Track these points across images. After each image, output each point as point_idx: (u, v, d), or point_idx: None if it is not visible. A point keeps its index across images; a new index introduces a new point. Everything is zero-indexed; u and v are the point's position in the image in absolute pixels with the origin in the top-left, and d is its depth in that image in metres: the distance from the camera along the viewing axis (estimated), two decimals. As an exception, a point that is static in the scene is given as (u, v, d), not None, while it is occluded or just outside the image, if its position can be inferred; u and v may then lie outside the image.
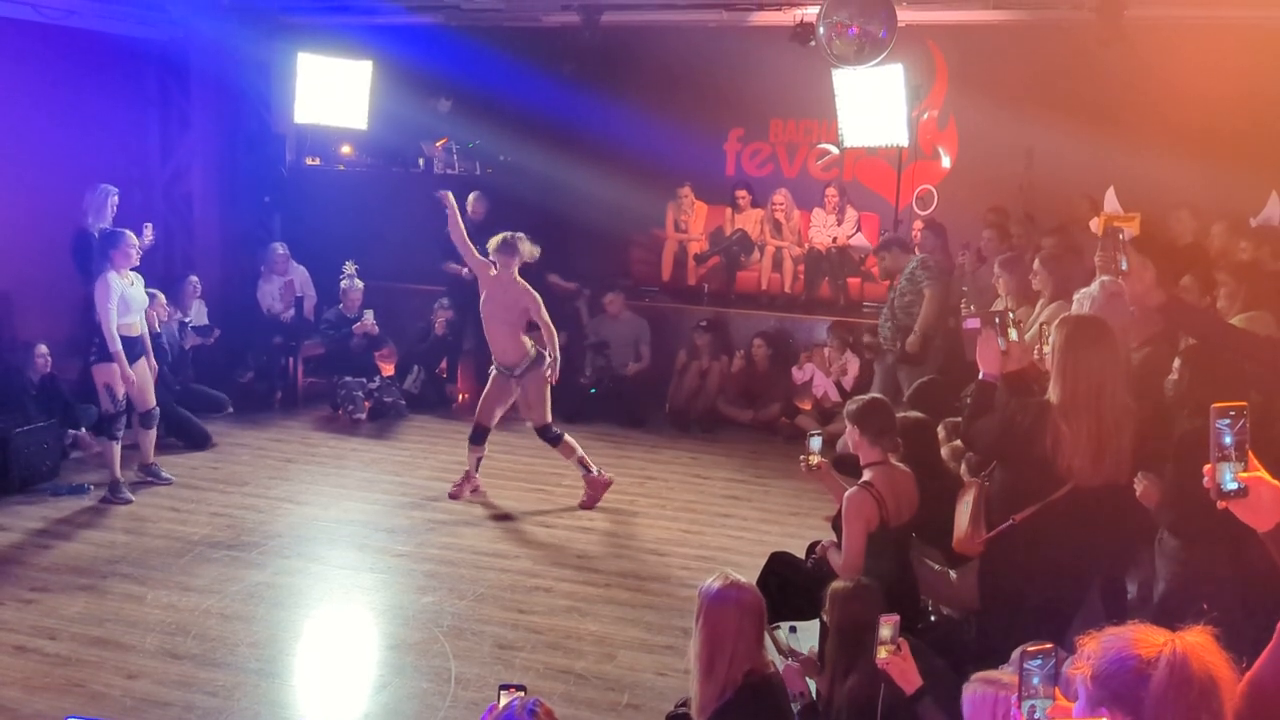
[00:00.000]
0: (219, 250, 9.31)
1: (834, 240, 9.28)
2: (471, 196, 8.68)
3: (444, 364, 8.95)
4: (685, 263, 9.76)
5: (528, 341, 6.11)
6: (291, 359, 8.65)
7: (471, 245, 6.27)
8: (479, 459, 6.42)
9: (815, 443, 4.16)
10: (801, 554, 4.36)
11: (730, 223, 9.73)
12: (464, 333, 8.84)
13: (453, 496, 6.37)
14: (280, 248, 8.90)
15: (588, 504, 6.23)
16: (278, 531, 5.73)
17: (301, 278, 8.89)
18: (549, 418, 6.14)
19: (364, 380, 8.32)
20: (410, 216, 9.47)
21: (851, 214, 9.39)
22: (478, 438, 6.32)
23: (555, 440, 6.16)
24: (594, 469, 6.27)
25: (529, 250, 6.11)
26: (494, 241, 6.11)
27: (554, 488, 6.63)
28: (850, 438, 4.06)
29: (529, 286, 6.14)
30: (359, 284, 8.42)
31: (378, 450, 7.46)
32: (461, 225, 6.32)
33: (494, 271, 6.10)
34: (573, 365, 8.87)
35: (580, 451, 6.16)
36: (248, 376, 8.59)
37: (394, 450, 7.47)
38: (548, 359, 6.01)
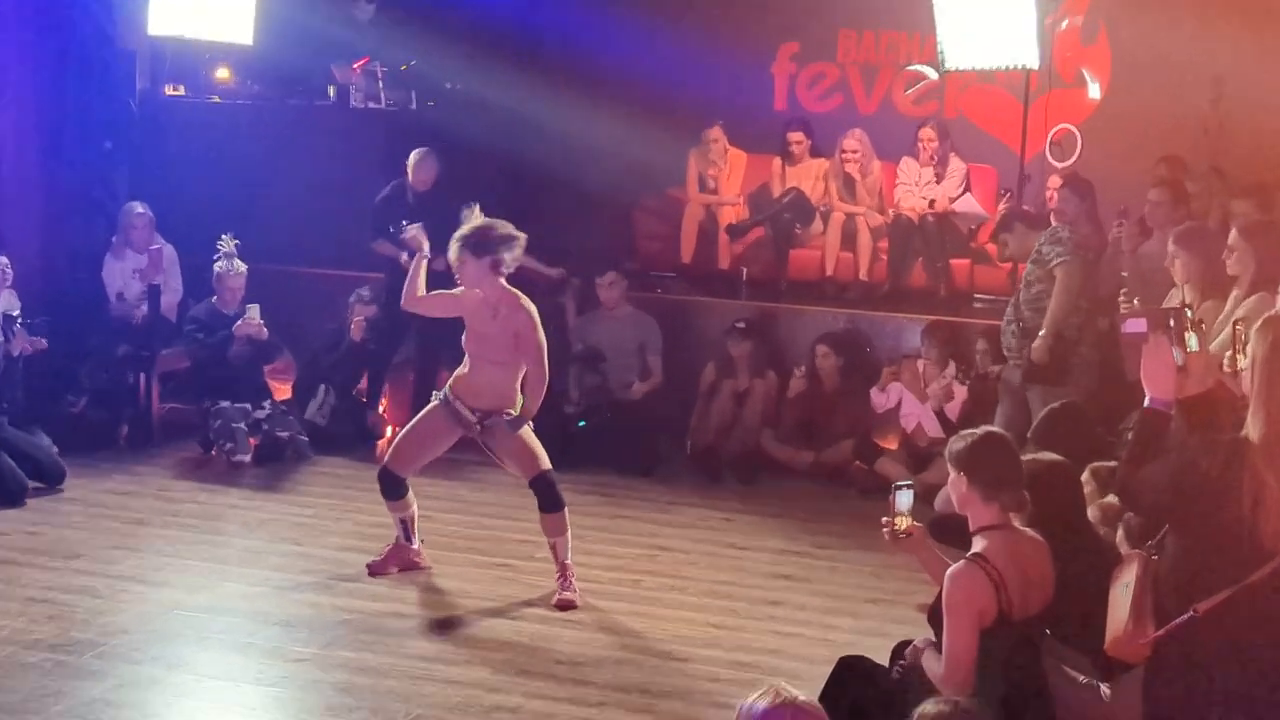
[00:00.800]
0: (38, 219, 9.36)
1: (931, 204, 9.31)
2: (413, 158, 8.74)
3: (364, 383, 9.02)
4: (715, 237, 9.81)
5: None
6: (144, 376, 8.68)
7: (444, 296, 6.22)
8: (407, 520, 6.43)
9: (905, 498, 4.16)
10: (884, 659, 4.36)
11: (780, 179, 9.77)
12: (395, 338, 8.91)
13: (374, 573, 6.38)
14: (140, 207, 8.97)
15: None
16: (123, 626, 5.72)
17: (169, 258, 8.96)
18: (545, 462, 6.15)
19: (247, 407, 8.35)
20: (317, 170, 9.54)
21: (957, 166, 9.44)
22: (392, 491, 6.32)
23: (555, 501, 6.14)
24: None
25: (509, 247, 6.04)
26: (459, 246, 5.97)
27: (521, 561, 6.63)
28: (955, 491, 4.07)
29: (519, 295, 6.11)
30: (240, 267, 8.47)
31: (268, 508, 7.45)
32: (422, 283, 6.25)
33: (478, 292, 6.07)
34: (553, 386, 8.88)
35: (568, 543, 6.19)
36: (79, 403, 8.62)
37: (292, 508, 7.46)
38: (521, 413, 6.03)
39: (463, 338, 6.19)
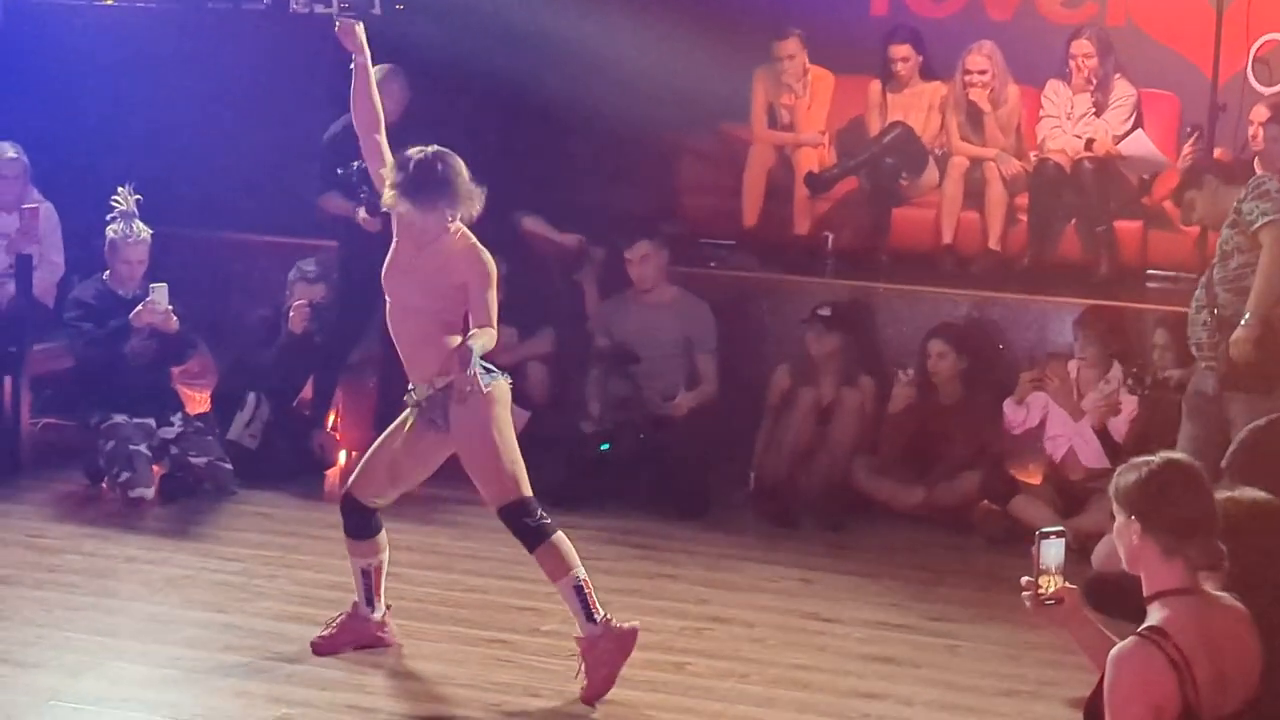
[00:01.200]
0: None
1: (1088, 145, 9.26)
2: (376, 73, 8.72)
3: (308, 391, 9.04)
4: (790, 191, 9.78)
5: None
6: (10, 380, 8.72)
7: (390, 159, 6.25)
8: (371, 572, 6.42)
9: (1053, 552, 4.12)
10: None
11: (881, 110, 9.74)
12: (351, 330, 8.94)
13: (322, 652, 6.37)
14: (11, 150, 9.02)
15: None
16: (-21, 722, 5.74)
17: (47, 221, 9.01)
18: (522, 488, 6.13)
19: (150, 424, 8.40)
20: (246, 99, 9.55)
21: (1124, 93, 9.40)
22: (358, 526, 6.33)
23: (535, 534, 6.14)
24: (597, 612, 6.26)
25: (468, 194, 6.08)
26: (392, 172, 6.06)
27: (522, 636, 6.63)
28: (1123, 542, 4.04)
29: (479, 248, 6.14)
30: (142, 232, 8.50)
31: (179, 560, 7.47)
32: (378, 108, 6.42)
33: (414, 224, 6.11)
34: (566, 397, 8.86)
35: (581, 575, 6.14)
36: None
37: (210, 560, 7.48)
38: (475, 372, 6.01)
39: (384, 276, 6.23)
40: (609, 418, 8.50)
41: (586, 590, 6.06)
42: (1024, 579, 4.13)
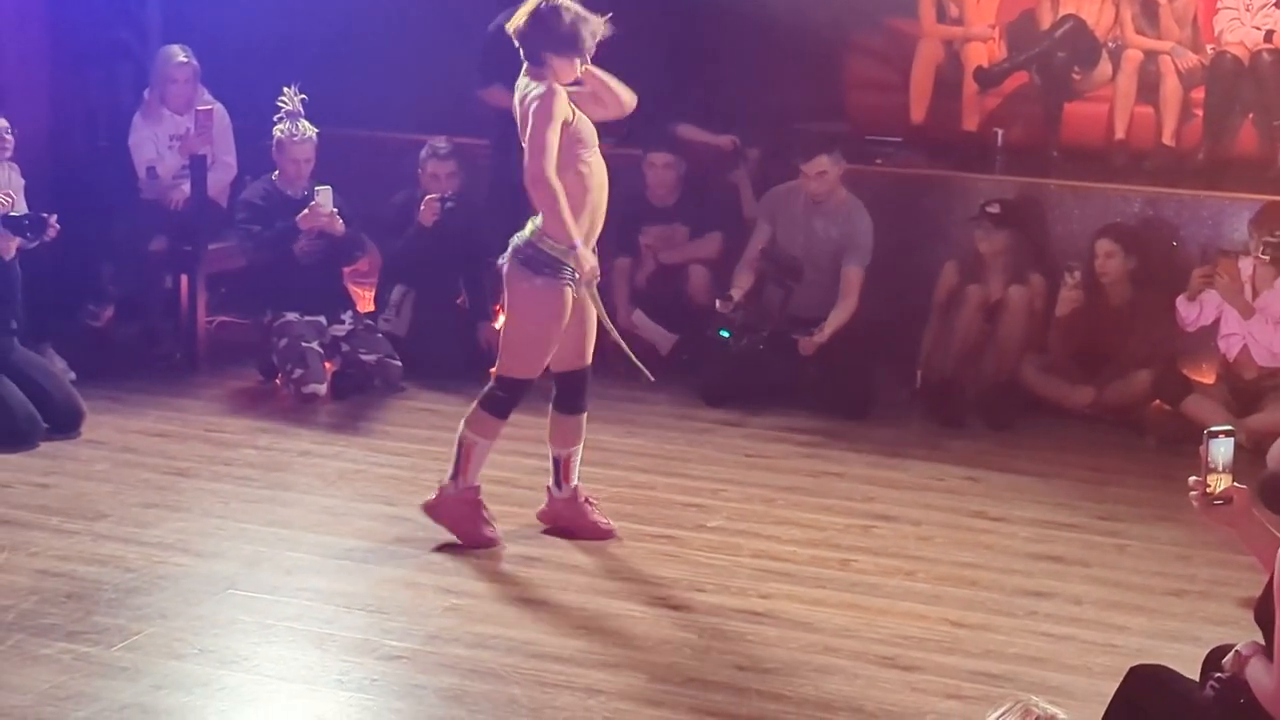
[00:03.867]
0: (44, 69, 9.60)
1: (1267, 37, 9.14)
2: None
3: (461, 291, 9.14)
4: (958, 86, 9.69)
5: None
6: (186, 279, 8.90)
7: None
8: (565, 459, 6.57)
9: (1223, 450, 4.09)
10: (1191, 672, 4.32)
11: (1053, 3, 9.62)
12: (502, 227, 8.97)
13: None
14: (182, 53, 9.14)
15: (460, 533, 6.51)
16: (161, 609, 5.88)
17: (219, 122, 9.15)
18: (531, 363, 6.33)
19: (322, 321, 8.57)
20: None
21: (1308, -19, 9.20)
22: (566, 402, 6.53)
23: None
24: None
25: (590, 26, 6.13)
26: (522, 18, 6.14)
27: (688, 532, 6.71)
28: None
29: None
30: (308, 131, 8.60)
31: (351, 455, 7.64)
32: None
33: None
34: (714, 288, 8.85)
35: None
36: (104, 314, 8.91)
37: (381, 455, 7.66)
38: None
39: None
40: (742, 314, 8.38)
41: (464, 450, 6.38)
42: (1192, 479, 4.11)
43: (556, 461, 6.59)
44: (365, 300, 9.20)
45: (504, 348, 6.37)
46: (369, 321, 8.75)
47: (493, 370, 6.52)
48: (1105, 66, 9.44)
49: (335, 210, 8.42)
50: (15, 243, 7.59)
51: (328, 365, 8.45)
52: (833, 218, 8.62)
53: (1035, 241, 8.75)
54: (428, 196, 8.72)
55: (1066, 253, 8.64)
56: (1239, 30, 9.16)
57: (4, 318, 7.69)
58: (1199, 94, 9.28)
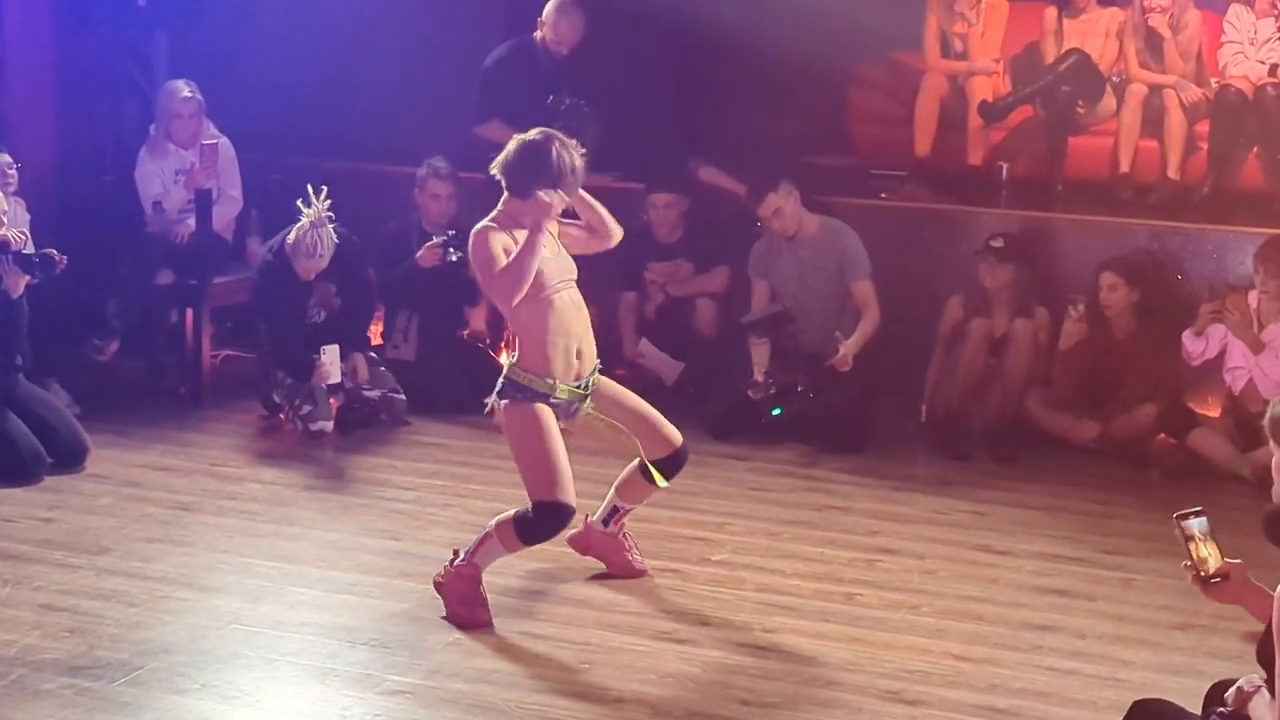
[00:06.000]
0: (51, 103, 9.64)
1: (1271, 70, 9.14)
2: (551, 6, 8.79)
3: (479, 322, 9.18)
4: (963, 120, 9.72)
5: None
6: (191, 313, 8.93)
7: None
8: (626, 512, 6.57)
9: (1195, 525, 4.09)
10: (1194, 705, 4.32)
11: (1057, 38, 9.63)
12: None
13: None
14: (186, 89, 9.17)
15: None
16: (164, 643, 5.87)
17: (224, 156, 9.18)
18: (549, 481, 6.10)
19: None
20: (421, 33, 9.67)
21: (1310, 17, 9.22)
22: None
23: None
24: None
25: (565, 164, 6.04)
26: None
27: (693, 566, 6.70)
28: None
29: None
30: (330, 242, 8.27)
31: (355, 490, 7.67)
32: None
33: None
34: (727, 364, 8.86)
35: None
36: (109, 348, 8.94)
37: (386, 490, 7.66)
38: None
39: None
40: (775, 379, 8.38)
41: (486, 543, 6.12)
42: (1184, 563, 4.10)
43: (616, 510, 6.53)
44: (373, 335, 9.21)
45: (523, 474, 6.18)
46: (374, 354, 8.75)
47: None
48: (1109, 100, 9.46)
49: (342, 368, 8.38)
50: (24, 280, 7.61)
51: (333, 401, 8.45)
52: (817, 245, 8.61)
53: (1040, 275, 8.75)
54: (428, 245, 8.68)
55: (1071, 286, 8.63)
56: (1243, 64, 9.19)
57: (9, 353, 7.70)
58: (1203, 128, 9.29)
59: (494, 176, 6.08)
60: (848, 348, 8.30)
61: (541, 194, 5.92)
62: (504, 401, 6.14)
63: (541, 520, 6.03)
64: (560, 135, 6.09)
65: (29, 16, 9.49)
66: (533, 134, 6.07)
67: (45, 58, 9.59)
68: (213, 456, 8.07)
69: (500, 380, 6.17)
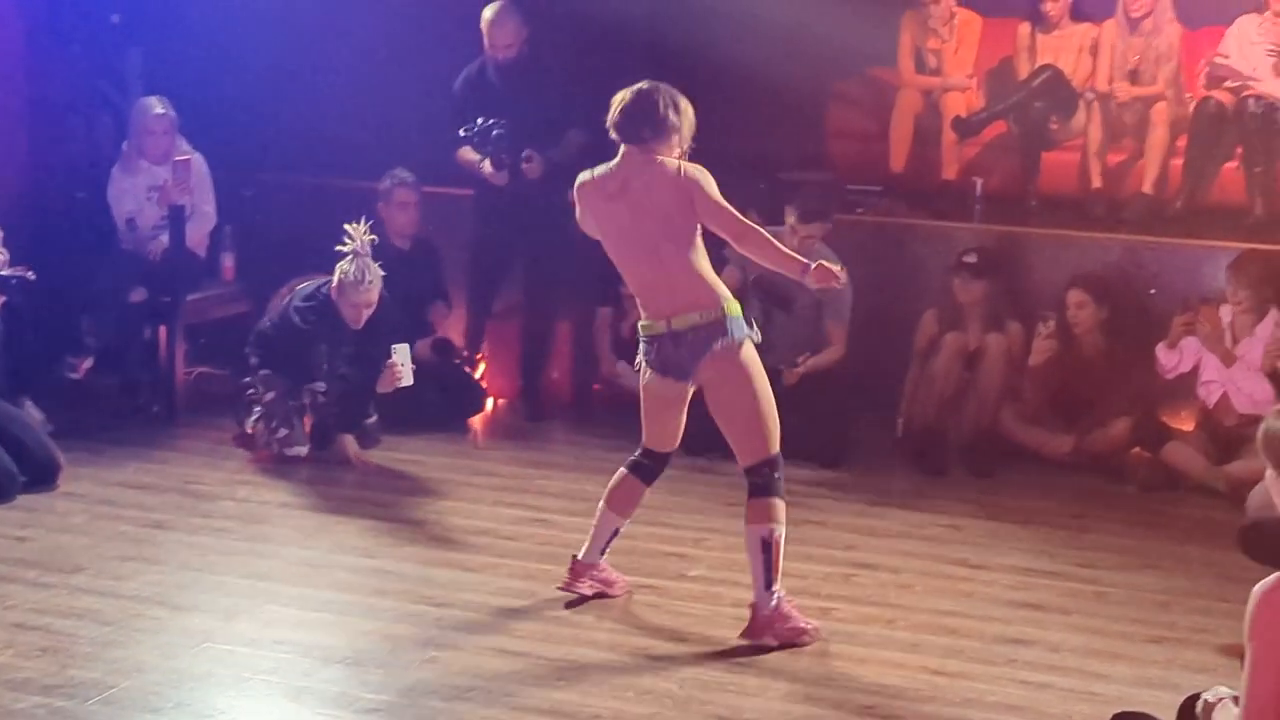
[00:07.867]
0: (22, 120, 9.64)
1: (1248, 85, 9.11)
2: (487, 15, 8.77)
3: (458, 338, 9.17)
4: (937, 135, 9.75)
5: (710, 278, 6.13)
6: (165, 330, 8.92)
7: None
8: (617, 534, 6.53)
9: None
10: (1168, 718, 4.34)
11: (1030, 53, 9.67)
12: (494, 278, 9.14)
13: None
14: (159, 105, 9.16)
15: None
16: (138, 663, 5.85)
17: (198, 172, 9.17)
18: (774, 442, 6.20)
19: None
20: (393, 45, 9.67)
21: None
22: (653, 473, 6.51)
23: (766, 489, 6.23)
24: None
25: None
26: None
27: (670, 581, 6.71)
28: (1276, 492, 4.00)
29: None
30: (375, 277, 8.02)
31: (330, 506, 7.67)
32: None
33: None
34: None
35: (779, 532, 6.20)
36: (82, 366, 8.90)
37: (361, 507, 7.65)
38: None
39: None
40: None
41: (775, 552, 6.10)
42: None
43: (616, 532, 6.50)
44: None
45: (750, 427, 6.20)
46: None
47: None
48: (1082, 116, 9.48)
49: (413, 367, 8.30)
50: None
51: (307, 421, 8.39)
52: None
53: (1013, 289, 8.77)
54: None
55: (1045, 301, 8.65)
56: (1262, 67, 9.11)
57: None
58: (1183, 143, 9.30)
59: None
60: (805, 365, 8.36)
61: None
62: (742, 337, 6.06)
63: (779, 473, 6.15)
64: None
65: (1, 33, 9.48)
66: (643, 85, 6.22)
67: (17, 73, 9.60)
68: (186, 474, 8.05)
69: (727, 318, 6.01)
